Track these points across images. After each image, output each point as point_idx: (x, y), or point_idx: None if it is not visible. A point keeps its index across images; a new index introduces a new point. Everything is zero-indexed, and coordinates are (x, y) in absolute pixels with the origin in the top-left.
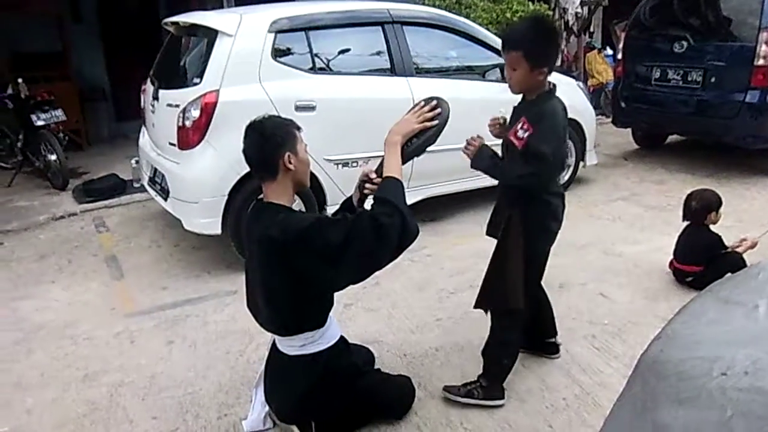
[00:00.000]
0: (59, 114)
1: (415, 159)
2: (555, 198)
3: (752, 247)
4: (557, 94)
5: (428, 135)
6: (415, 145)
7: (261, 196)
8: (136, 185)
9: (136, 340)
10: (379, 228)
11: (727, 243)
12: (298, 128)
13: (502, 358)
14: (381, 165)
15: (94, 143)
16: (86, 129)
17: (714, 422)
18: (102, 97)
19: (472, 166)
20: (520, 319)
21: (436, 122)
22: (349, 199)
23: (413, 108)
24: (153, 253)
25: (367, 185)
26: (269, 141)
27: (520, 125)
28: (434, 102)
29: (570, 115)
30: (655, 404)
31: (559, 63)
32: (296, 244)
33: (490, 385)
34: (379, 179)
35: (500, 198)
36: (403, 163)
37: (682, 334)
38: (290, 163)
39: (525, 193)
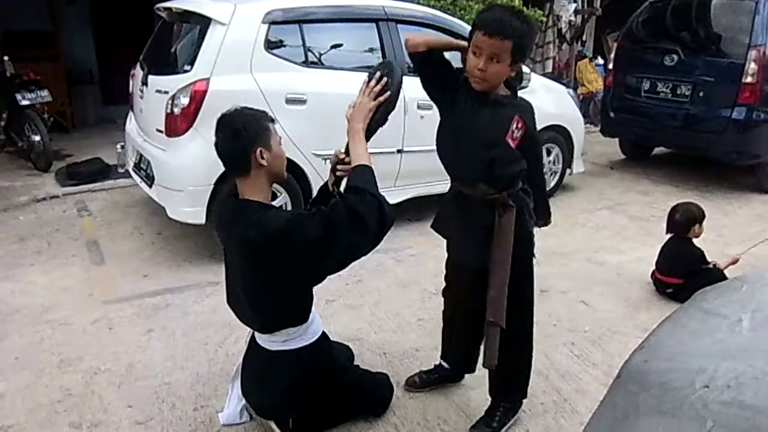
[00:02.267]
0: (45, 94)
1: (403, 160)
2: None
3: (734, 263)
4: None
5: (384, 105)
6: (374, 120)
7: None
8: (120, 170)
9: (114, 328)
10: (356, 216)
11: (708, 257)
12: (272, 120)
13: (524, 369)
14: (348, 144)
15: (80, 126)
16: (72, 111)
17: None
18: (89, 80)
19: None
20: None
21: (388, 93)
22: (326, 184)
23: (362, 89)
24: (135, 240)
25: (340, 166)
26: (240, 137)
27: (515, 125)
28: (378, 73)
29: (559, 123)
30: (637, 414)
31: (549, 70)
32: (275, 244)
33: (514, 402)
34: (350, 158)
35: (475, 215)
36: (368, 138)
37: (666, 345)
38: (263, 158)
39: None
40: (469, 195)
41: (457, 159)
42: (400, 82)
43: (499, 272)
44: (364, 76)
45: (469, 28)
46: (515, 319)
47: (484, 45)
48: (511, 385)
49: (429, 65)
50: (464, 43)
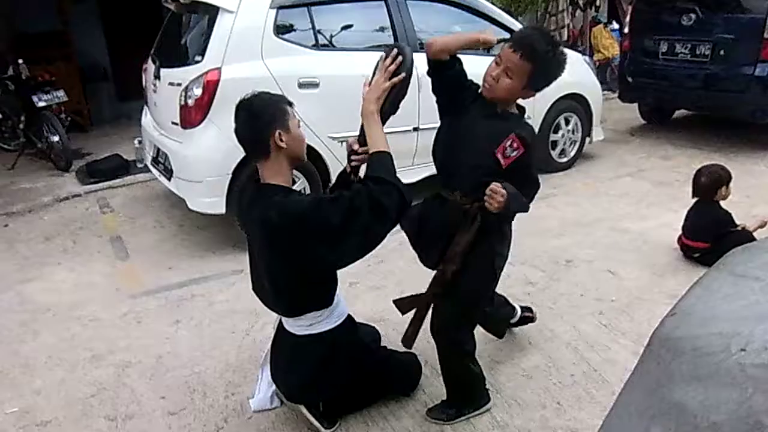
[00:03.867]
0: (60, 95)
1: (420, 138)
2: (510, 228)
3: (762, 225)
4: None
5: (396, 89)
6: (387, 104)
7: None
8: (139, 165)
9: (142, 321)
10: (378, 207)
11: (736, 219)
12: (290, 104)
13: (469, 369)
14: (362, 133)
15: (97, 124)
16: (88, 110)
17: (734, 400)
18: (103, 77)
19: (510, 211)
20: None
21: (403, 74)
22: (345, 171)
23: (376, 68)
24: (158, 234)
25: (353, 157)
26: (258, 119)
27: (509, 143)
28: (394, 51)
29: (576, 91)
30: (671, 382)
31: (565, 38)
32: (295, 227)
33: (475, 395)
34: (364, 149)
35: (441, 227)
36: (382, 123)
37: (698, 310)
38: (281, 140)
39: (488, 224)
40: (448, 200)
41: (446, 163)
42: (412, 66)
43: (443, 274)
44: (376, 55)
45: (486, 3)
46: (452, 325)
47: (506, 56)
48: (456, 391)
49: (445, 75)
50: (488, 37)
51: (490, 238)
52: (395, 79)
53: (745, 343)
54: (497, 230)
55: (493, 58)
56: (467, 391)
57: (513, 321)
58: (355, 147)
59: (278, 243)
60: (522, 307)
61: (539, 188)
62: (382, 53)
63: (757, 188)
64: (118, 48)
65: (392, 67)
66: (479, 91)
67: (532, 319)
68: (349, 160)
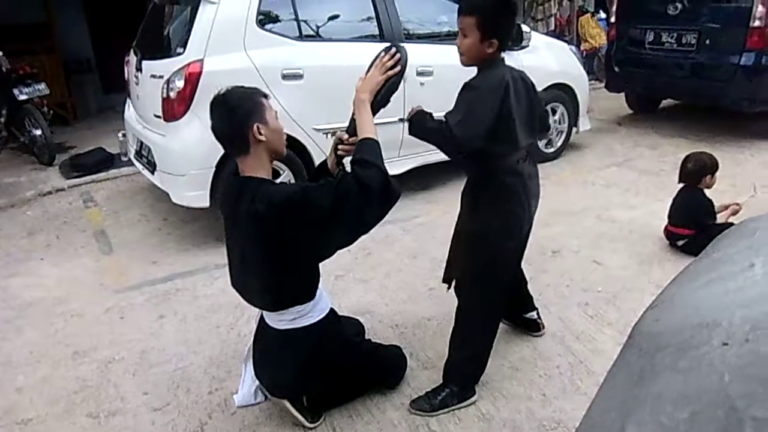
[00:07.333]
0: (42, 87)
1: (406, 128)
2: (509, 176)
3: (734, 213)
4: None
5: (390, 83)
6: (380, 96)
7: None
8: (123, 159)
9: (126, 316)
10: (364, 188)
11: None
12: (265, 96)
13: (471, 354)
14: (351, 123)
15: (82, 117)
16: (73, 103)
17: (713, 390)
18: (88, 70)
19: (410, 133)
20: (492, 315)
21: (398, 68)
22: (324, 162)
23: (373, 62)
24: (142, 228)
25: (341, 147)
26: (235, 114)
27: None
28: (393, 50)
29: (562, 81)
30: (654, 375)
31: (552, 27)
32: (283, 215)
33: (462, 387)
34: (353, 139)
35: (462, 196)
36: (373, 114)
37: (679, 300)
38: (260, 134)
39: (478, 177)
40: None
41: None
42: (405, 64)
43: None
44: (361, 46)
45: None
46: (463, 303)
47: (459, 22)
48: (457, 368)
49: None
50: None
51: (480, 212)
52: (390, 72)
53: (726, 335)
54: (491, 187)
55: None
56: (459, 370)
57: (525, 316)
58: (344, 137)
59: (265, 232)
60: (538, 314)
61: (447, 133)
62: (381, 52)
63: (742, 176)
64: (102, 39)
65: (389, 63)
66: None
67: (537, 329)
68: (336, 150)
